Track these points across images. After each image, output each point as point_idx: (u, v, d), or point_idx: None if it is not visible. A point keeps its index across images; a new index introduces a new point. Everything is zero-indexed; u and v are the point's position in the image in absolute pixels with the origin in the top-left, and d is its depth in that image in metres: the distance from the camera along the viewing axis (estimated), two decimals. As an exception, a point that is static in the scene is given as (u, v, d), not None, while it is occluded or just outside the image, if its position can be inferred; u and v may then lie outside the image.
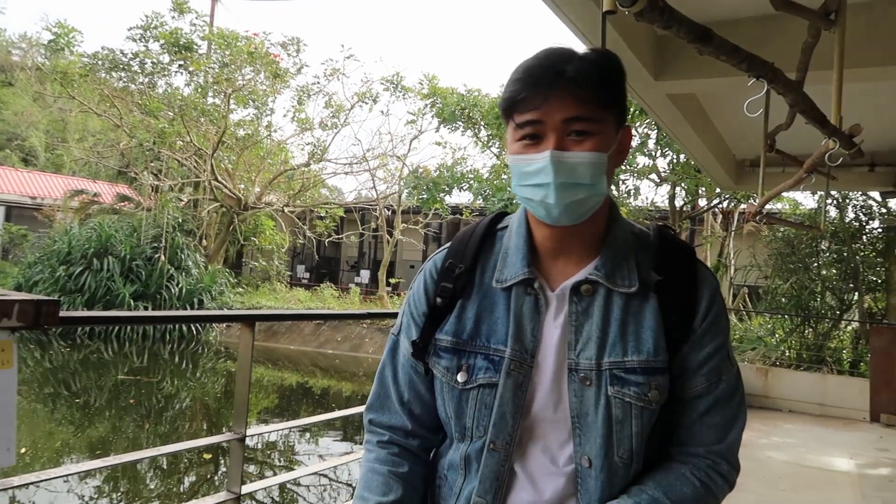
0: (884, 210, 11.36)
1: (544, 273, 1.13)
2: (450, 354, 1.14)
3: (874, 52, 3.52)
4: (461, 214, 20.50)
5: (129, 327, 15.64)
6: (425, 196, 17.84)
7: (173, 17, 19.05)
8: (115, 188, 21.72)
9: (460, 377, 1.12)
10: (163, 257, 17.24)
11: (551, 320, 1.11)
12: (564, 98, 1.00)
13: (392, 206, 20.67)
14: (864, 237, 11.59)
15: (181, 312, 2.91)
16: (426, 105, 18.75)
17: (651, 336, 1.07)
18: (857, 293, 11.33)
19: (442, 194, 18.02)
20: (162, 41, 18.73)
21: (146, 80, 19.28)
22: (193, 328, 17.21)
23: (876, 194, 10.98)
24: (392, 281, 21.14)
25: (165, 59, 19.12)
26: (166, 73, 19.41)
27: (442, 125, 18.22)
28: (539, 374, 1.10)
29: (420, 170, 19.07)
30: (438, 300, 1.17)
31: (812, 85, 2.58)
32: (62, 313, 1.28)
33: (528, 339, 1.10)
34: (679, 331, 1.08)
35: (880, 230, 11.48)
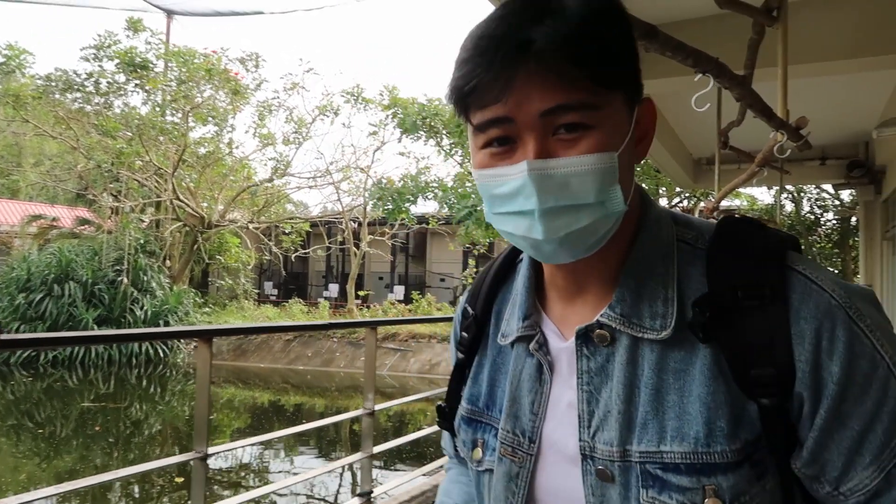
0: (837, 202, 11.71)
1: (558, 321, 0.81)
2: (466, 425, 0.89)
3: (817, 47, 3.64)
4: (427, 224, 20.52)
5: (93, 352, 15.29)
6: (390, 207, 17.83)
7: (128, 36, 18.80)
8: (75, 212, 21.26)
9: (475, 455, 0.87)
10: (126, 280, 16.90)
11: (562, 387, 0.79)
12: (538, 80, 0.65)
13: (358, 218, 20.62)
14: (820, 229, 11.93)
15: (133, 331, 2.86)
16: (387, 116, 18.81)
17: (701, 411, 0.68)
18: (816, 284, 11.64)
19: (407, 204, 18.03)
20: (117, 60, 18.44)
21: (102, 100, 18.95)
22: (161, 351, 16.88)
23: (829, 187, 11.31)
24: (361, 293, 21.03)
25: (121, 78, 18.83)
26: (123, 92, 19.11)
27: (404, 135, 18.28)
28: (544, 462, 0.79)
29: (384, 181, 19.07)
30: (459, 354, 0.93)
31: (761, 81, 2.66)
32: (3, 336, 1.25)
33: (527, 416, 0.80)
34: (770, 396, 0.67)
35: (835, 222, 11.82)
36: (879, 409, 0.65)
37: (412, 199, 17.93)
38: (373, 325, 3.79)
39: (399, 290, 22.63)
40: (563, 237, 0.69)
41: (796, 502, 0.71)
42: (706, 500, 0.67)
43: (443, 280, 25.54)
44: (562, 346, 0.79)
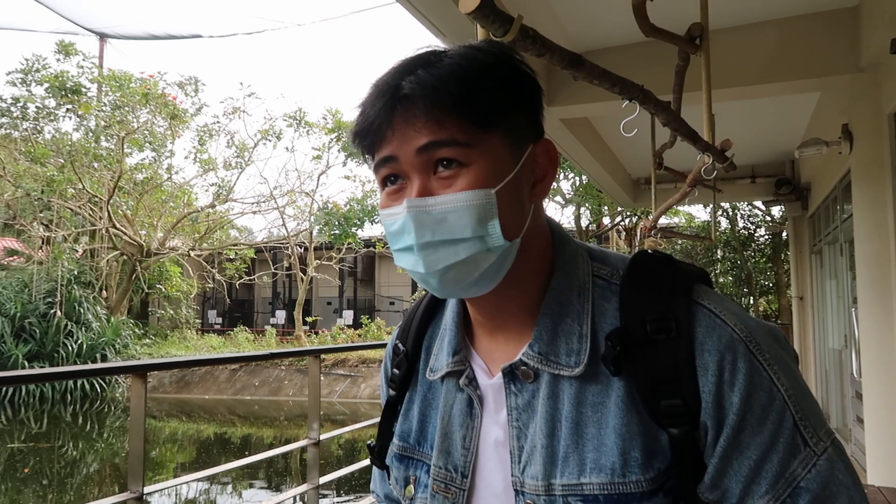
0: (768, 218, 12.19)
1: (485, 355, 0.83)
2: (398, 462, 0.90)
3: (739, 71, 3.81)
4: (375, 247, 20.43)
5: (23, 389, 14.55)
6: (337, 231, 17.70)
7: (59, 60, 18.20)
8: (2, 242, 20.33)
9: (408, 492, 0.88)
10: (59, 312, 16.22)
11: (490, 422, 0.80)
12: (411, 121, 0.71)
13: (304, 243, 20.36)
14: (754, 244, 12.39)
15: (57, 369, 2.70)
16: (331, 140, 18.72)
17: (616, 442, 0.70)
18: (751, 297, 12.05)
19: (354, 228, 17.93)
20: (47, 85, 17.83)
21: (30, 125, 18.26)
22: (97, 385, 16.20)
23: (760, 203, 11.78)
24: (309, 320, 20.72)
25: (52, 103, 18.20)
26: (53, 117, 18.46)
27: (349, 159, 18.21)
28: (477, 498, 0.80)
29: (330, 205, 18.92)
30: (390, 391, 0.94)
31: (690, 104, 2.76)
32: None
33: (459, 451, 0.81)
34: (679, 426, 0.69)
35: (767, 237, 12.30)
36: (775, 440, 0.68)
37: (359, 222, 17.85)
38: (316, 353, 3.72)
39: (348, 315, 22.40)
40: (442, 270, 0.72)
41: None
42: None
43: (392, 303, 25.41)
44: (489, 382, 0.81)
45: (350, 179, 19.58)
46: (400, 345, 0.94)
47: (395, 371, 0.93)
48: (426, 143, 0.71)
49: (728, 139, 2.47)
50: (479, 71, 0.73)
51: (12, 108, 17.93)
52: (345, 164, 19.23)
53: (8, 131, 18.34)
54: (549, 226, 0.82)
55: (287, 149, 21.53)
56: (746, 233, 12.30)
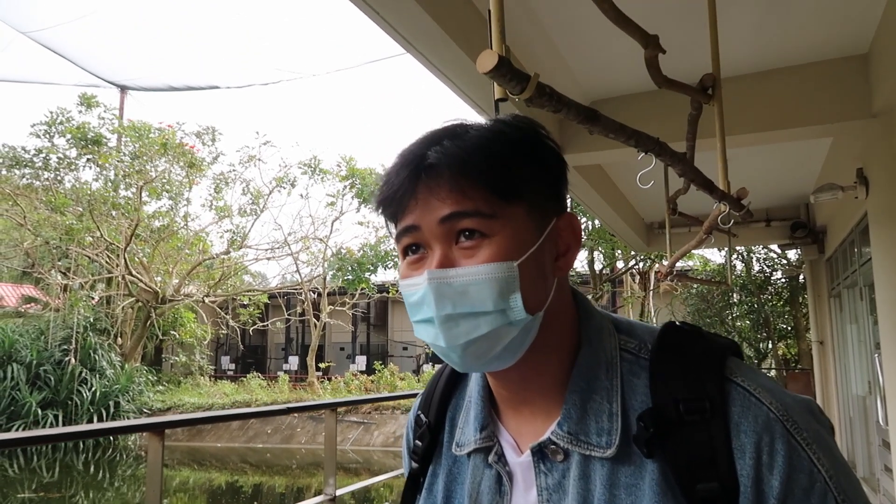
0: (784, 261, 12.09)
1: (513, 431, 0.80)
2: None
3: (751, 119, 3.83)
4: (388, 292, 20.43)
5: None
6: (350, 277, 17.74)
7: (80, 112, 18.68)
8: (20, 289, 20.54)
9: None
10: (73, 360, 16.25)
11: (521, 501, 0.78)
12: (435, 191, 0.71)
13: (317, 288, 20.40)
14: (771, 288, 12.26)
15: (80, 428, 2.69)
16: (345, 186, 18.94)
17: None
18: (770, 342, 11.87)
19: (367, 274, 17.97)
20: (69, 136, 18.26)
21: (52, 175, 18.63)
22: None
23: (776, 247, 11.71)
24: (322, 366, 20.61)
25: (73, 153, 18.59)
26: (74, 167, 18.84)
27: (362, 205, 18.38)
28: None
29: (343, 251, 19.02)
30: (413, 463, 0.91)
31: (703, 151, 2.77)
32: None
33: None
34: None
35: (784, 280, 12.18)
36: None
37: (372, 268, 17.90)
38: (333, 407, 3.67)
39: (361, 361, 22.26)
40: (463, 345, 0.70)
41: None
42: None
43: (405, 349, 25.26)
44: (518, 460, 0.79)
45: (363, 225, 19.66)
46: (422, 416, 0.92)
47: (418, 443, 0.91)
48: (449, 213, 0.71)
49: (744, 188, 2.47)
50: (504, 144, 0.74)
51: (35, 159, 18.33)
52: (358, 210, 19.39)
53: (30, 181, 18.72)
54: (574, 298, 0.81)
55: (301, 195, 21.78)
56: (762, 276, 12.19)
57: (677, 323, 0.78)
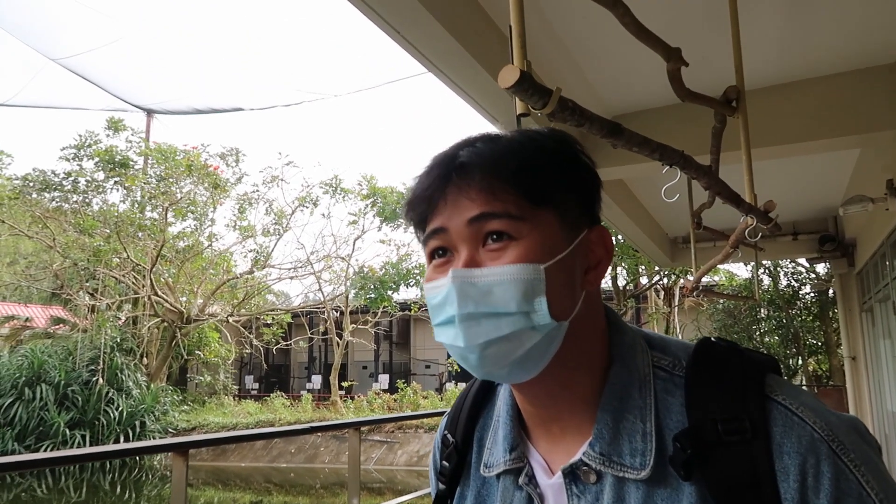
0: (813, 275, 11.88)
1: (543, 451, 0.78)
2: None
3: (776, 131, 3.78)
4: (410, 310, 20.43)
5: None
6: (373, 296, 17.77)
7: (108, 135, 19.06)
8: (49, 310, 20.88)
9: None
10: (101, 380, 16.44)
11: None
12: (465, 191, 0.71)
13: (340, 307, 20.46)
14: (799, 302, 12.03)
15: (105, 448, 2.71)
16: (367, 205, 19.04)
17: None
18: (800, 357, 11.63)
19: (389, 292, 17.99)
20: (97, 159, 18.63)
21: (80, 198, 19.00)
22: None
23: (804, 260, 11.51)
24: (345, 384, 20.61)
25: (100, 176, 18.96)
26: (102, 190, 19.20)
27: (384, 223, 18.45)
28: None
29: (366, 269, 19.08)
30: (440, 485, 0.89)
31: (727, 164, 2.73)
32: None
33: None
34: None
35: (812, 295, 11.95)
36: None
37: (394, 286, 17.92)
38: (357, 426, 3.65)
39: (384, 379, 22.23)
40: (483, 344, 0.68)
41: None
42: None
43: (428, 367, 25.18)
44: (549, 482, 0.76)
45: (385, 244, 19.72)
46: (449, 436, 0.89)
47: (445, 464, 0.88)
48: (478, 213, 0.70)
49: (771, 200, 2.43)
50: (537, 150, 0.74)
51: (64, 182, 18.71)
52: (380, 228, 19.48)
53: (59, 204, 19.10)
54: (606, 315, 0.79)
55: (323, 215, 21.97)
56: (790, 291, 11.98)
57: (712, 339, 0.75)
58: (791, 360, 11.67)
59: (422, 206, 0.74)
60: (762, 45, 3.44)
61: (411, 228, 0.80)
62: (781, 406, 0.67)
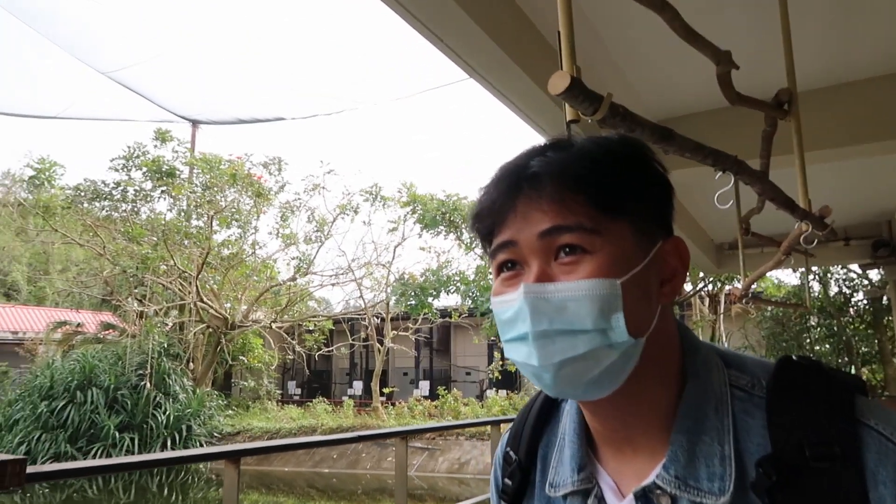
0: (866, 282, 11.49)
1: (612, 471, 0.75)
2: None
3: (829, 135, 3.67)
4: (450, 317, 20.43)
5: (114, 461, 15.01)
6: (413, 302, 17.83)
7: (156, 146, 19.59)
8: (99, 316, 21.51)
9: None
10: (148, 384, 16.84)
11: None
12: (536, 203, 0.68)
13: (381, 314, 20.58)
14: (852, 309, 11.66)
15: (161, 455, 2.78)
16: (407, 213, 19.14)
17: None
18: (853, 367, 11.25)
19: (430, 299, 18.02)
20: (144, 169, 19.15)
21: (129, 207, 19.55)
22: (182, 456, 16.57)
23: (856, 266, 11.14)
24: (386, 391, 20.70)
25: (148, 185, 19.48)
26: (149, 199, 19.73)
27: (424, 230, 18.52)
28: None
29: (406, 276, 19.16)
30: (503, 503, 0.86)
31: (777, 169, 2.66)
32: (30, 469, 1.20)
33: None
34: None
35: (865, 302, 11.56)
36: None
37: (434, 293, 17.94)
38: (403, 435, 3.65)
39: (424, 386, 22.26)
40: (558, 364, 0.65)
41: None
42: None
43: (468, 374, 25.13)
44: None
45: (425, 250, 19.77)
46: (512, 453, 0.86)
47: (508, 482, 0.85)
48: (550, 227, 0.67)
49: (827, 206, 2.35)
50: (609, 157, 0.71)
51: (114, 192, 19.29)
52: (420, 235, 19.56)
53: (109, 213, 19.69)
54: (678, 330, 0.76)
55: (364, 222, 22.13)
56: (842, 297, 11.60)
57: (793, 357, 0.72)
58: (844, 370, 11.32)
59: (490, 217, 0.72)
60: (814, 45, 3.35)
61: (476, 241, 0.78)
62: (875, 432, 0.63)
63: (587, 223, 0.67)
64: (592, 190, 0.68)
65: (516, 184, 0.70)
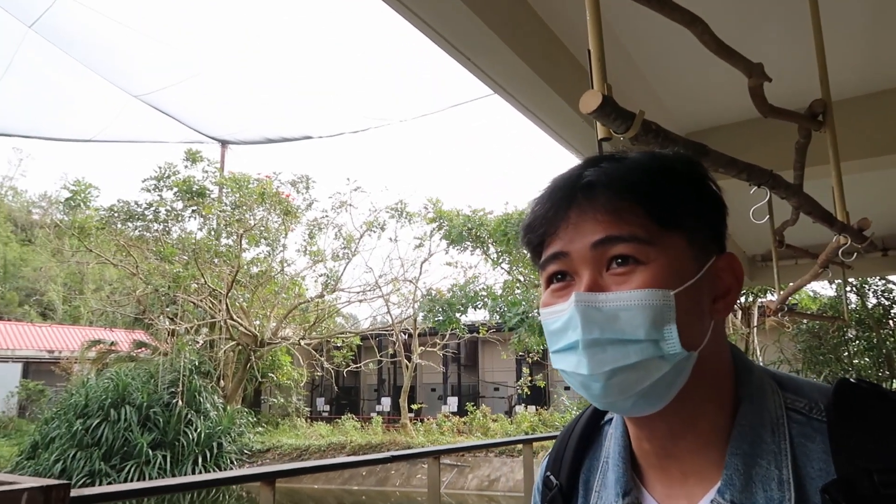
0: (905, 293, 11.20)
1: (659, 495, 0.73)
2: None
3: (865, 144, 3.60)
4: (478, 333, 20.36)
5: (145, 475, 15.14)
6: (441, 318, 17.80)
7: (186, 166, 19.95)
8: (132, 335, 21.86)
9: None
10: (180, 402, 17.02)
11: None
12: (590, 213, 0.68)
13: (408, 330, 20.59)
14: (891, 322, 11.36)
15: (200, 477, 2.80)
16: (433, 229, 19.17)
17: None
18: (894, 380, 10.95)
19: (457, 314, 17.97)
20: (175, 189, 19.50)
21: (160, 227, 19.91)
22: (213, 471, 16.69)
23: (895, 278, 10.87)
24: (414, 407, 20.65)
25: (179, 205, 19.83)
26: (180, 218, 20.07)
27: (450, 246, 18.52)
28: None
29: (433, 292, 19.15)
30: None
31: (811, 180, 2.61)
32: (73, 493, 1.22)
33: None
34: None
35: (906, 313, 11.27)
36: None
37: (462, 308, 17.89)
38: (436, 455, 3.62)
39: (452, 402, 22.15)
40: (608, 373, 0.64)
41: None
42: None
43: (497, 389, 24.97)
44: None
45: (452, 266, 19.77)
46: (552, 477, 0.84)
47: None
48: (604, 237, 0.67)
49: (866, 218, 2.30)
50: (665, 170, 0.71)
51: (146, 212, 19.67)
52: (446, 251, 19.58)
53: (141, 233, 20.07)
54: (731, 349, 0.74)
55: (391, 239, 22.22)
56: (881, 309, 11.31)
57: (851, 380, 0.70)
58: (885, 384, 10.99)
59: (542, 227, 0.72)
60: (847, 54, 3.29)
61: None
62: None
63: (642, 234, 0.67)
64: (647, 201, 0.68)
65: (570, 194, 0.70)
